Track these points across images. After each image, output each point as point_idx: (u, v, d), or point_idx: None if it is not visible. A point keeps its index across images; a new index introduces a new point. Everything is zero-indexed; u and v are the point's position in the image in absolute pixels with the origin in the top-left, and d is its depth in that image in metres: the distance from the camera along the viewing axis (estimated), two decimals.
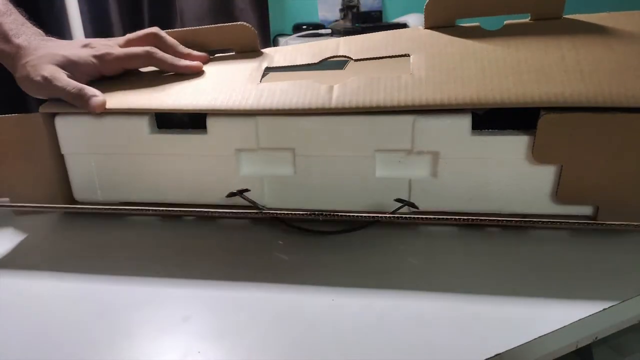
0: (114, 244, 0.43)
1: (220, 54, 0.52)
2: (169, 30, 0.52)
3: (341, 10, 2.13)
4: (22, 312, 0.34)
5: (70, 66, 0.46)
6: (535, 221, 0.39)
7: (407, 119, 0.40)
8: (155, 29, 0.50)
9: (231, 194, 0.43)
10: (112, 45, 0.49)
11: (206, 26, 0.52)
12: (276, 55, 0.49)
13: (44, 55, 0.46)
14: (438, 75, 0.41)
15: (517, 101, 0.38)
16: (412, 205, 0.42)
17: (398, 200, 0.42)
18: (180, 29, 0.52)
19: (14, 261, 0.41)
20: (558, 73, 0.39)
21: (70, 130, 0.45)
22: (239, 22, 0.51)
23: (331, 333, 0.31)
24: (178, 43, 0.50)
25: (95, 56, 0.47)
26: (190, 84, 0.46)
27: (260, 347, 0.30)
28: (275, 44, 2.01)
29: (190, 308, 0.34)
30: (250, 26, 0.50)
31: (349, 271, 0.37)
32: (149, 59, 0.48)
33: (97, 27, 1.48)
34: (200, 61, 0.49)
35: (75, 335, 0.32)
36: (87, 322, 0.33)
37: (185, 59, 0.49)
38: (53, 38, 0.50)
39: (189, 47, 0.51)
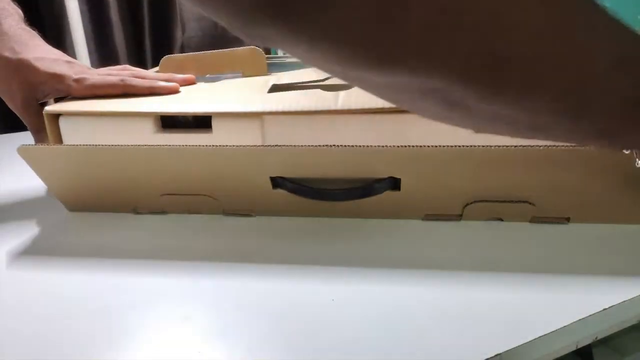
0: (118, 242, 0.43)
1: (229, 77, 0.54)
2: (182, 54, 0.55)
3: None
4: (23, 310, 0.34)
5: (44, 80, 0.46)
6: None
7: (410, 117, 0.40)
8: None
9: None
10: (91, 72, 0.50)
11: (217, 50, 0.55)
12: (283, 76, 0.51)
13: (24, 60, 0.46)
14: None
15: None
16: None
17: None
18: (192, 53, 0.55)
19: (18, 259, 0.41)
20: None
21: (74, 131, 0.45)
22: (250, 47, 0.53)
23: (331, 333, 0.31)
24: (156, 74, 0.52)
25: (73, 79, 0.47)
26: (196, 91, 0.47)
27: (261, 346, 0.30)
28: None
29: (190, 307, 0.34)
30: (260, 50, 0.52)
31: (349, 270, 0.37)
32: (124, 89, 0.48)
33: (98, 26, 1.48)
34: (186, 84, 0.51)
35: (75, 335, 0.32)
36: (87, 322, 0.33)
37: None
38: (36, 33, 0.50)
39: (199, 70, 0.54)
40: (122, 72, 0.50)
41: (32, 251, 0.43)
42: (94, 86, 0.47)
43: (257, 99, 0.44)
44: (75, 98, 0.47)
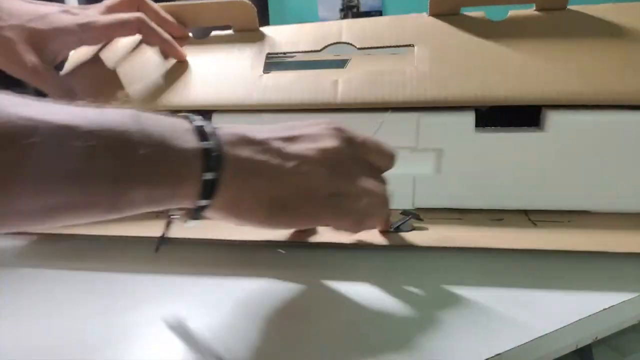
0: (115, 242, 0.43)
1: (218, 32, 0.50)
2: (168, 3, 0.50)
3: (341, 10, 2.13)
4: (22, 311, 0.34)
5: (48, 37, 0.41)
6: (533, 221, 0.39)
7: (412, 116, 0.40)
8: None
9: None
10: (93, 14, 0.44)
11: (205, 1, 0.50)
12: (277, 37, 0.48)
13: (17, 25, 0.40)
14: (442, 70, 0.40)
15: (520, 99, 0.38)
16: (417, 217, 0.41)
17: (403, 213, 0.41)
18: (178, 3, 0.50)
19: (12, 260, 0.41)
20: (561, 70, 0.38)
21: None
22: None
23: (331, 333, 0.31)
24: (160, 9, 0.48)
25: (79, 25, 0.42)
26: (193, 77, 0.45)
27: (261, 346, 0.30)
28: None
29: (190, 307, 0.34)
30: (249, 3, 0.48)
31: (349, 270, 0.37)
32: (139, 26, 0.43)
33: None
34: (179, 35, 0.48)
35: (74, 335, 0.31)
36: (86, 322, 0.33)
37: (168, 30, 0.47)
38: None
39: (186, 23, 0.49)
40: (135, 12, 0.44)
41: (33, 247, 0.43)
42: (107, 27, 0.42)
43: (256, 85, 0.43)
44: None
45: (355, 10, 2.12)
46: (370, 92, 0.40)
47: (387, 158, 0.33)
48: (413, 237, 0.38)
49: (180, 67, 0.47)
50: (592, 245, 0.35)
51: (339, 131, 0.31)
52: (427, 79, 0.40)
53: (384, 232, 0.39)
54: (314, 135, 0.30)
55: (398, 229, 0.40)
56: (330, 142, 0.30)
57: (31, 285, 0.38)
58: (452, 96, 0.39)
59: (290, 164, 0.28)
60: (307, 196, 0.29)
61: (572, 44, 0.41)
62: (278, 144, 0.28)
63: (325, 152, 0.29)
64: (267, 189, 0.28)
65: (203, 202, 0.26)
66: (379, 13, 2.05)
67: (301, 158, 0.29)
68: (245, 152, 0.27)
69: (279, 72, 0.44)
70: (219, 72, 0.45)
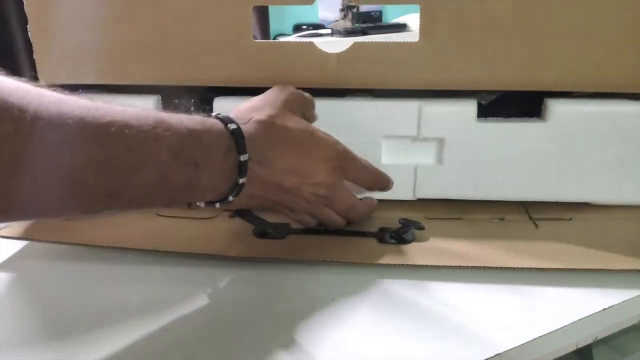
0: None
1: None
2: None
3: (341, 10, 2.13)
4: (22, 314, 0.34)
5: None
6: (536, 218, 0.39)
7: (413, 104, 0.40)
8: None
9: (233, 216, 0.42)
10: None
11: None
12: None
13: None
14: (445, 49, 0.38)
15: (521, 84, 0.37)
16: (419, 227, 0.40)
17: (404, 221, 0.39)
18: None
19: (13, 264, 0.41)
20: (567, 57, 0.37)
21: None
22: None
23: (331, 333, 0.31)
24: None
25: None
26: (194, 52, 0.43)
27: (261, 346, 0.30)
28: None
29: (189, 308, 0.34)
30: None
31: (349, 270, 0.37)
32: None
33: None
34: None
35: (73, 335, 0.31)
36: (85, 323, 0.33)
37: None
38: None
39: None
40: None
41: (32, 253, 0.43)
42: None
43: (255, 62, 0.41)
44: None
45: (355, 10, 2.12)
46: (370, 73, 0.39)
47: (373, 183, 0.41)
48: (414, 256, 0.38)
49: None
50: (592, 264, 0.35)
51: (336, 177, 0.38)
52: (430, 58, 0.38)
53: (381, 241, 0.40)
54: (316, 183, 0.37)
55: (401, 239, 0.39)
56: (321, 190, 0.38)
57: (31, 287, 0.38)
58: (453, 82, 0.38)
59: (286, 197, 0.38)
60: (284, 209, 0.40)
61: (584, 27, 0.38)
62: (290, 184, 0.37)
63: (313, 194, 0.38)
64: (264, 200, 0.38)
65: (230, 198, 0.35)
66: (379, 13, 2.05)
67: (295, 193, 0.38)
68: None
69: (280, 49, 0.42)
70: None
